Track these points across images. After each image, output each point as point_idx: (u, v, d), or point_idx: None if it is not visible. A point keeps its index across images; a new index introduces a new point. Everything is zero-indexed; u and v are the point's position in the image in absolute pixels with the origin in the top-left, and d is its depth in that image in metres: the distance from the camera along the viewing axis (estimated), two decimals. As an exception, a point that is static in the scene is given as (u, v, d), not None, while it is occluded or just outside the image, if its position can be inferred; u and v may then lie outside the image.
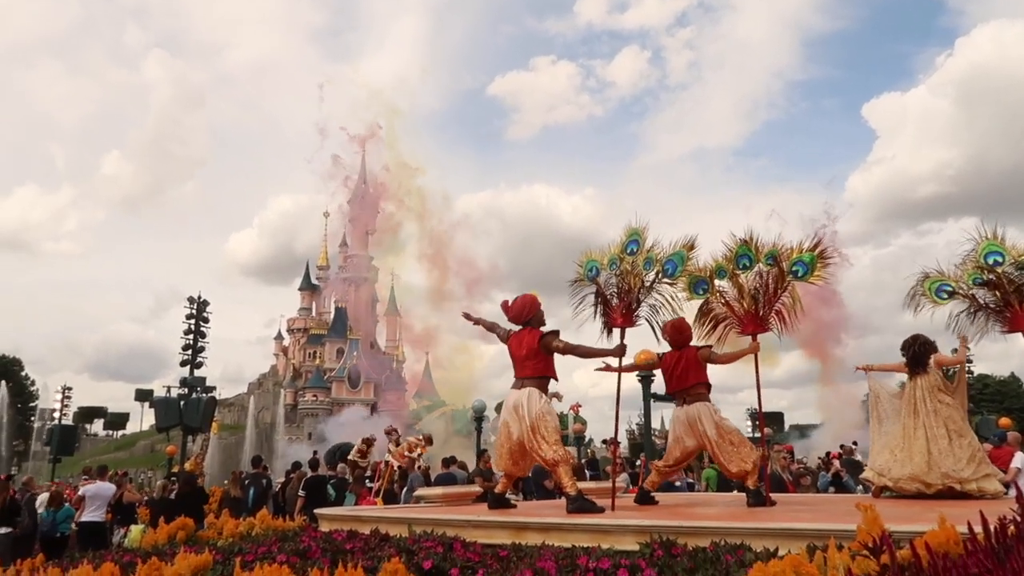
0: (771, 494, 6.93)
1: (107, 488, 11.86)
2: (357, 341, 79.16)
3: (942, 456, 6.85)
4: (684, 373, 6.88)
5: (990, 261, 6.29)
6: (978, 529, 2.54)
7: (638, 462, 13.62)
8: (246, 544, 5.31)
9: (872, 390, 7.75)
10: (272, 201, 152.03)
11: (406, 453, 12.40)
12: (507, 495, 6.87)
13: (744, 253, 6.76)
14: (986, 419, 28.82)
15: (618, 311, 6.63)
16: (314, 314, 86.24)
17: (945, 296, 6.64)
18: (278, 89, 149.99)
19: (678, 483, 11.92)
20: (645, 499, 7.04)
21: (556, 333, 6.42)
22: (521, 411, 6.27)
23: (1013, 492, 8.28)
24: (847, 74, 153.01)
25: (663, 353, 7.13)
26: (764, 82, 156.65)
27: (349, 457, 14.61)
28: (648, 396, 11.68)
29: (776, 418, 62.80)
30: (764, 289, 6.71)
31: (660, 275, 6.65)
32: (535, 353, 6.34)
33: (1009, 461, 10.07)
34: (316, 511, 7.15)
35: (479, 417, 18.59)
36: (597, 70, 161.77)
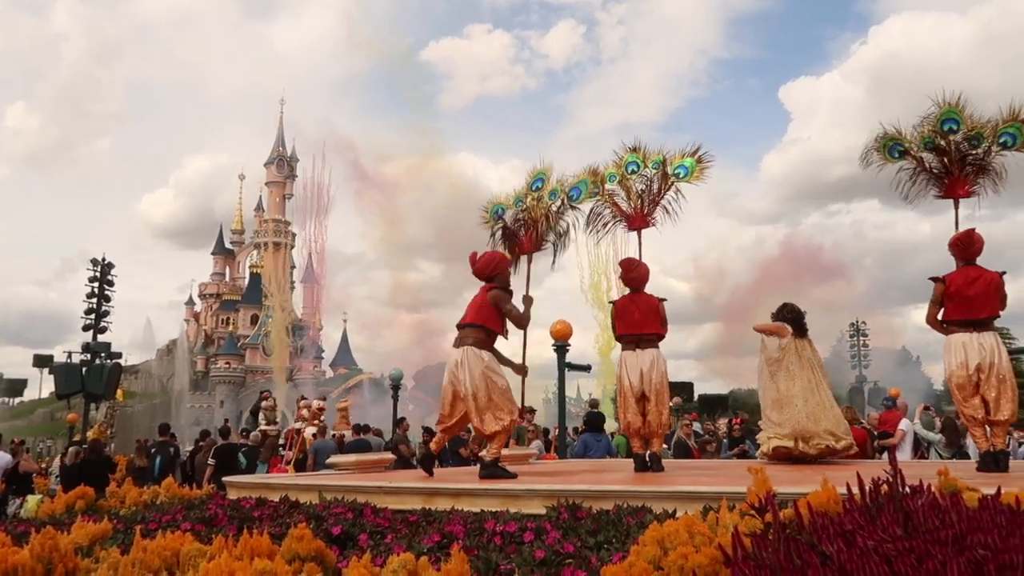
0: (677, 460, 7.26)
1: (2, 457, 11.32)
2: (272, 308, 77.29)
3: (837, 413, 7.50)
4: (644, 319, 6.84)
5: (946, 127, 6.63)
6: (856, 490, 2.73)
7: (550, 431, 13.90)
8: (149, 513, 5.17)
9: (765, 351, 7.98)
10: (189, 161, 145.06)
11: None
12: None
13: (632, 160, 7.65)
14: (877, 388, 30.63)
15: (525, 240, 7.24)
16: (228, 279, 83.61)
17: (897, 155, 7.00)
18: (197, 43, 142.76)
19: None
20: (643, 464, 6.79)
21: (510, 293, 6.36)
22: (461, 373, 6.02)
23: (901, 454, 8.89)
24: (768, 55, 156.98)
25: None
26: (689, 59, 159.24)
27: (261, 427, 14.37)
28: (563, 366, 11.88)
29: (685, 388, 64.87)
30: (649, 189, 7.57)
31: (566, 202, 7.34)
32: (482, 304, 6.23)
33: (896, 424, 10.83)
34: (224, 479, 7.02)
35: (396, 386, 18.52)
36: (532, 41, 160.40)
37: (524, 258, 7.43)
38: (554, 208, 7.41)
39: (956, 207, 6.59)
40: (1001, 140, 6.46)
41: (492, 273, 6.38)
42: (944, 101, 6.70)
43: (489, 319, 6.20)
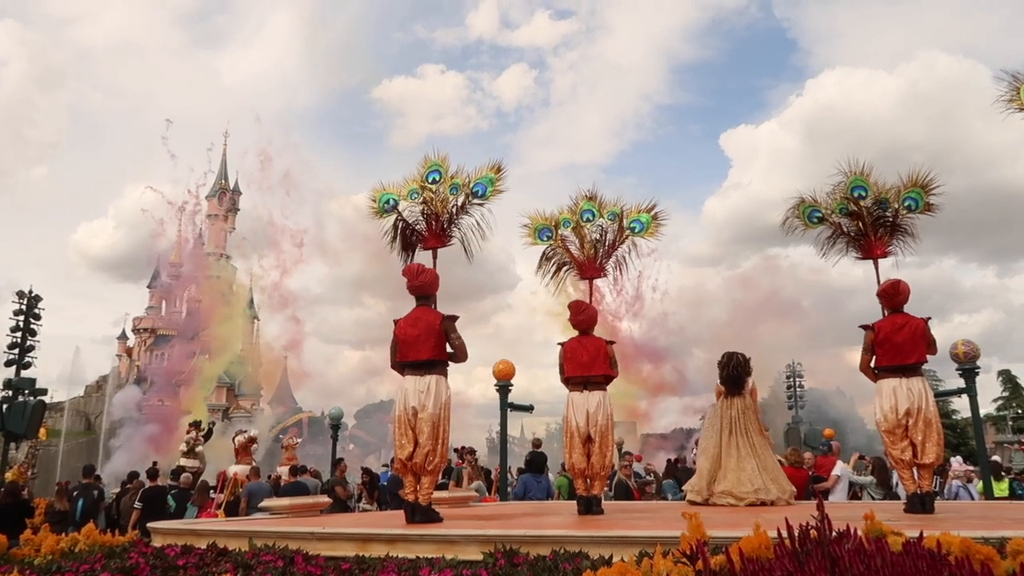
0: (618, 501, 7.26)
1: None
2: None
3: (767, 472, 7.57)
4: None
5: (855, 194, 7.09)
6: (786, 535, 2.76)
7: (492, 471, 13.77)
8: (66, 562, 4.90)
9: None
10: (130, 191, 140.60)
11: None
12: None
13: (588, 208, 7.74)
14: (813, 429, 31.33)
15: (429, 233, 6.98)
16: (163, 313, 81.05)
17: (816, 220, 7.44)
18: (140, 72, 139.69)
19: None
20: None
21: (456, 319, 6.18)
22: (427, 399, 5.89)
23: (835, 497, 9.07)
24: (709, 102, 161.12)
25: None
26: (634, 104, 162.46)
27: (181, 462, 13.92)
28: (505, 406, 11.83)
29: (630, 427, 65.12)
30: (604, 240, 7.65)
31: (470, 198, 7.09)
32: (436, 333, 6.06)
33: (831, 469, 11.04)
34: (149, 524, 6.72)
35: (335, 425, 18.10)
36: (484, 83, 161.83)
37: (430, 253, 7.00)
38: (459, 202, 7.10)
39: (876, 267, 6.98)
40: (906, 204, 6.97)
41: (433, 292, 6.34)
42: (851, 170, 7.15)
43: (444, 351, 6.12)
